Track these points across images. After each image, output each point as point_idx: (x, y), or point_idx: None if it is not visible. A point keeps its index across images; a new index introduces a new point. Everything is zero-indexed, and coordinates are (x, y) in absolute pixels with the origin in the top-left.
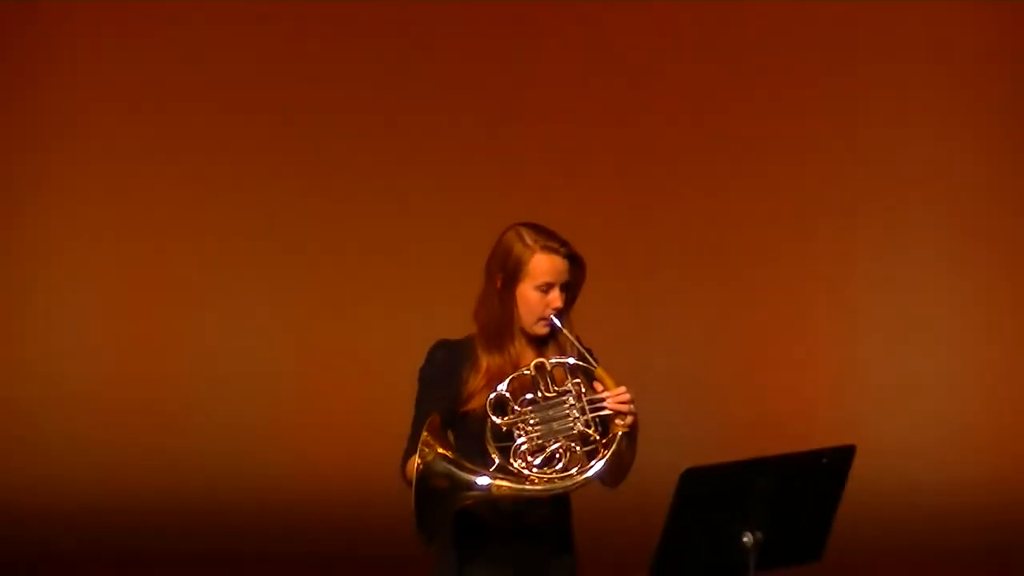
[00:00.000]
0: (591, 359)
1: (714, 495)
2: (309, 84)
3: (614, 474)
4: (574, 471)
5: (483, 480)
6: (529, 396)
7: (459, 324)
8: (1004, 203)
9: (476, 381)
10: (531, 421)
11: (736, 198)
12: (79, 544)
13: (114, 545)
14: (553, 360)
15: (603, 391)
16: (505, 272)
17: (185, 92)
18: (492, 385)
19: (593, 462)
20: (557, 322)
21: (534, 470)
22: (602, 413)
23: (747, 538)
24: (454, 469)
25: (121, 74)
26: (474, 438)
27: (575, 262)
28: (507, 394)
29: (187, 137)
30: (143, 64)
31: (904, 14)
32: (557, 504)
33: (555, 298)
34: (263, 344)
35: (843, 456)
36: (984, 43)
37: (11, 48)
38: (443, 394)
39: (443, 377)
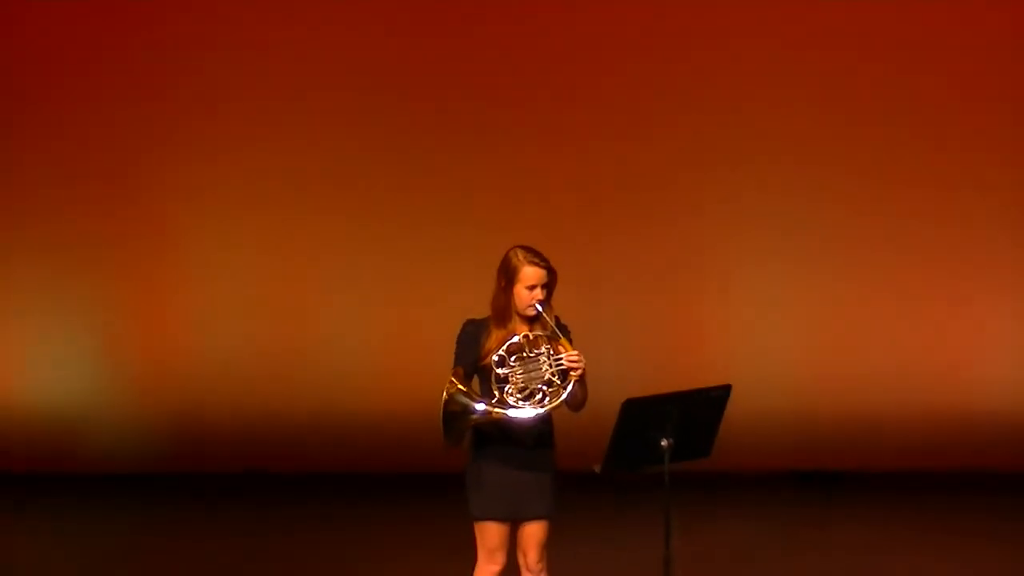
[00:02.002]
0: (559, 332)
1: (643, 416)
2: (397, 97)
3: (573, 405)
4: (545, 402)
5: (480, 406)
6: (518, 355)
7: (482, 308)
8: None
9: (489, 344)
10: (519, 371)
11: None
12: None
13: (251, 471)
14: (535, 333)
15: (564, 353)
16: (506, 277)
17: (295, 94)
18: (499, 347)
19: (554, 397)
20: (539, 308)
21: (520, 402)
22: (563, 367)
23: (664, 443)
24: (464, 399)
25: (243, 73)
26: (488, 381)
27: (550, 271)
28: (505, 354)
29: (294, 151)
30: (265, 64)
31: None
32: (543, 422)
33: (537, 294)
34: (358, 318)
35: (723, 392)
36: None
37: (139, 49)
38: (469, 352)
39: (470, 341)
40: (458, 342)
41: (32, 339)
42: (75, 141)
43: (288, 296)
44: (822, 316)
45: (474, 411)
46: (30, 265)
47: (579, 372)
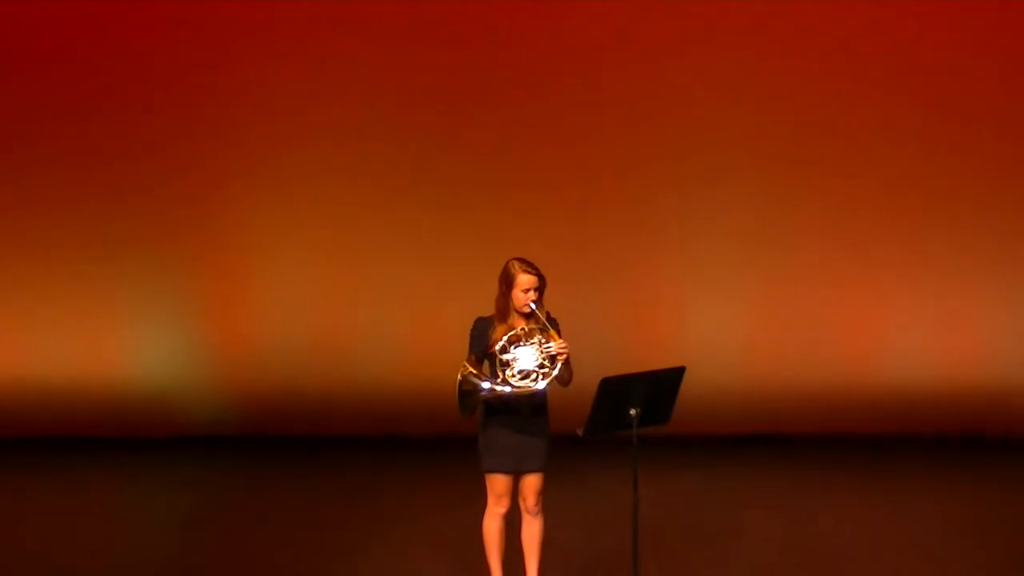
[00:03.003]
0: (548, 325)
1: (616, 391)
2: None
3: (561, 382)
4: (539, 381)
5: (486, 385)
6: (517, 344)
7: (489, 308)
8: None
9: (495, 336)
10: (517, 357)
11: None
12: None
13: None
14: (530, 326)
15: (553, 342)
16: (505, 283)
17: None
18: (502, 338)
19: (545, 377)
20: (533, 307)
21: (519, 381)
22: (551, 353)
23: (632, 412)
24: (473, 379)
25: (305, 77)
26: (494, 365)
27: (541, 278)
28: (507, 343)
29: (349, 160)
30: (325, 68)
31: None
32: (539, 397)
33: (531, 296)
34: (393, 309)
35: (679, 372)
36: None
37: (206, 54)
38: (479, 342)
39: (480, 334)
40: (471, 335)
41: (128, 322)
42: (157, 147)
43: (336, 288)
44: (764, 303)
45: (482, 389)
46: (128, 259)
47: (564, 356)
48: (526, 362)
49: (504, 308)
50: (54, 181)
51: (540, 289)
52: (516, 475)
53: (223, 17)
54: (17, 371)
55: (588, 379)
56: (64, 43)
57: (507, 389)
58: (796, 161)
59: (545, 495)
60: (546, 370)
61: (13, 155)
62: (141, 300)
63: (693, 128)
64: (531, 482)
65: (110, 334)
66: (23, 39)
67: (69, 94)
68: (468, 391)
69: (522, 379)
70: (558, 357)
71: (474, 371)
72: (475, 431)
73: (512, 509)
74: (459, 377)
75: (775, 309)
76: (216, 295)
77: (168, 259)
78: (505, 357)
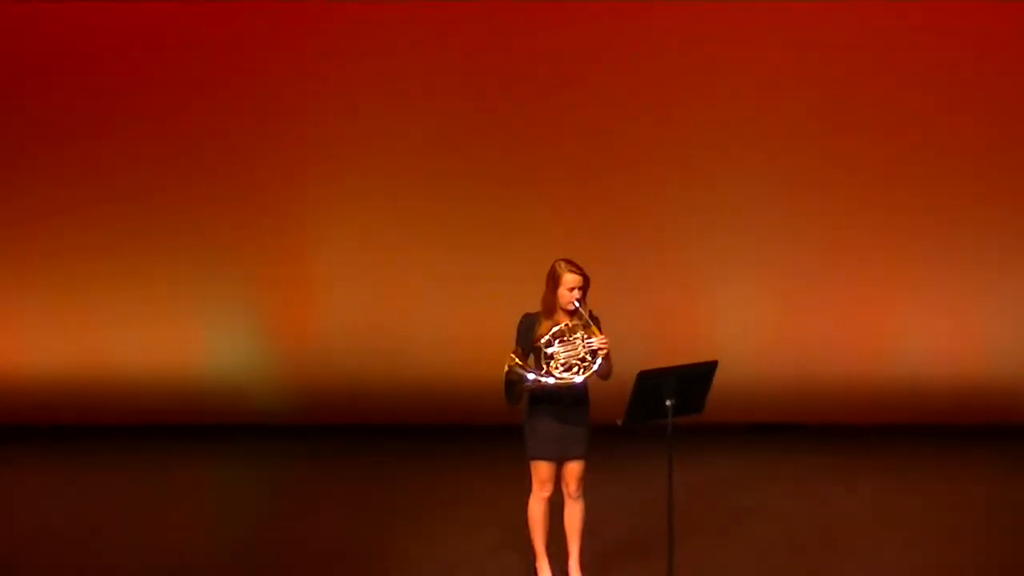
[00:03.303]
0: (591, 321)
1: (652, 383)
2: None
3: (601, 375)
4: (580, 374)
5: (531, 376)
6: (561, 339)
7: (534, 304)
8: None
9: (540, 331)
10: (560, 351)
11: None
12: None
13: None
14: (573, 322)
15: (594, 337)
16: (552, 281)
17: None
18: (547, 333)
19: (587, 370)
20: (576, 304)
21: (562, 374)
22: (592, 348)
23: (669, 403)
24: (519, 371)
25: (374, 81)
26: (539, 358)
27: (585, 278)
28: (551, 338)
29: (409, 160)
30: (393, 70)
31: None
32: (580, 388)
33: (575, 295)
34: (450, 304)
35: (712, 365)
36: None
37: (284, 58)
38: (525, 337)
39: (525, 330)
40: (518, 329)
41: (205, 317)
42: (228, 150)
43: (393, 284)
44: (792, 303)
45: (527, 380)
46: (199, 258)
47: (605, 351)
48: (569, 356)
49: (550, 305)
50: (133, 179)
51: (584, 288)
52: (559, 462)
53: (291, 19)
54: (98, 361)
55: (627, 371)
56: (133, 44)
57: (550, 380)
58: (823, 159)
59: (586, 480)
60: (587, 363)
61: (94, 155)
62: (213, 296)
63: (721, 125)
64: (573, 468)
65: (184, 328)
66: (94, 40)
67: (140, 93)
68: (514, 381)
69: (565, 371)
70: (599, 352)
71: (520, 363)
72: (519, 420)
73: (555, 493)
74: (505, 369)
75: (799, 307)
76: (281, 292)
77: (237, 258)
78: (549, 351)
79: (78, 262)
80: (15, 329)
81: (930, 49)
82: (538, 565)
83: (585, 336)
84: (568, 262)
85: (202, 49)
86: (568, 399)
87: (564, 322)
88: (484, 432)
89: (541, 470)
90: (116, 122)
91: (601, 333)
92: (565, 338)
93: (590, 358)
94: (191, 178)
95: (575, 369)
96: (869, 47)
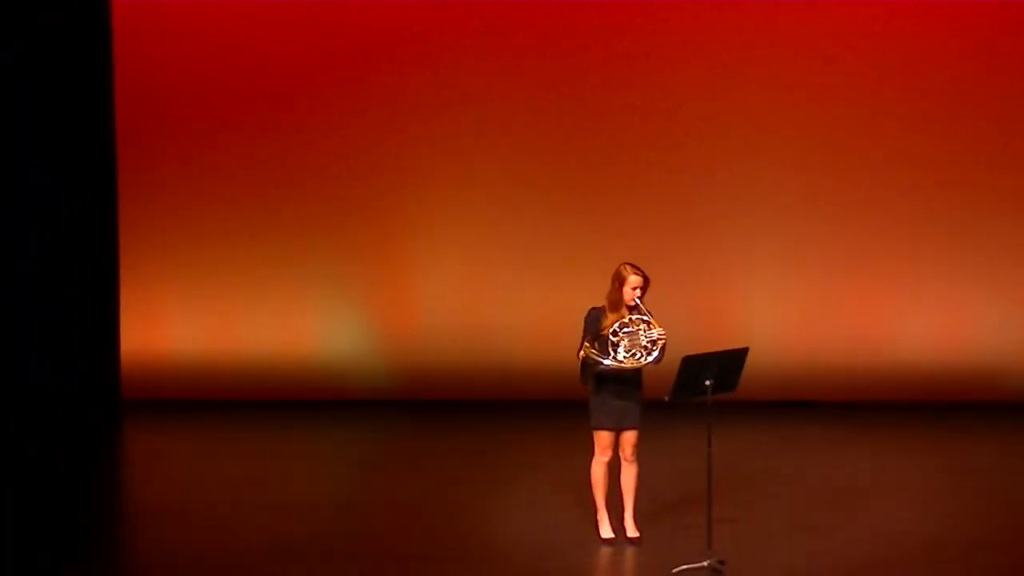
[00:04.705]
0: (650, 316)
1: (695, 365)
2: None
3: (657, 361)
4: (642, 359)
5: (607, 361)
6: (625, 330)
7: (598, 300)
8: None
9: (606, 323)
10: (624, 340)
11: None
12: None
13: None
14: (635, 316)
15: (654, 329)
16: (617, 281)
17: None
18: (613, 325)
19: (647, 356)
20: (638, 301)
21: (625, 360)
22: (652, 337)
23: (708, 382)
24: (594, 356)
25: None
26: (604, 347)
27: (645, 279)
28: (617, 328)
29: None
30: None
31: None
32: (637, 372)
33: (637, 293)
34: (524, 292)
35: (744, 351)
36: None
37: (377, 70)
38: (592, 328)
39: (593, 321)
40: (585, 320)
41: (315, 302)
42: (340, 154)
43: (479, 275)
44: (814, 296)
45: (602, 363)
46: (312, 248)
47: (663, 341)
48: (633, 344)
49: (616, 301)
50: (254, 180)
51: (644, 287)
52: (617, 431)
53: (411, 29)
54: (220, 345)
55: (673, 356)
56: (283, 49)
57: (623, 364)
58: (844, 158)
59: (639, 447)
60: (649, 350)
61: (241, 155)
62: (324, 284)
63: (756, 130)
64: (629, 436)
65: (298, 313)
66: (246, 55)
67: (272, 99)
68: (590, 364)
69: (629, 357)
70: (659, 340)
71: (593, 350)
72: (582, 397)
73: (613, 458)
74: (582, 354)
75: (821, 300)
76: (383, 281)
77: (346, 250)
78: (615, 339)
79: (221, 250)
80: (162, 314)
81: (976, 35)
82: (599, 517)
83: (646, 328)
84: (632, 265)
85: (337, 57)
86: (626, 378)
87: (627, 316)
88: (552, 406)
89: (603, 438)
90: (269, 130)
91: (658, 326)
92: (630, 329)
93: (651, 346)
94: (309, 183)
95: (638, 356)
96: (911, 45)
